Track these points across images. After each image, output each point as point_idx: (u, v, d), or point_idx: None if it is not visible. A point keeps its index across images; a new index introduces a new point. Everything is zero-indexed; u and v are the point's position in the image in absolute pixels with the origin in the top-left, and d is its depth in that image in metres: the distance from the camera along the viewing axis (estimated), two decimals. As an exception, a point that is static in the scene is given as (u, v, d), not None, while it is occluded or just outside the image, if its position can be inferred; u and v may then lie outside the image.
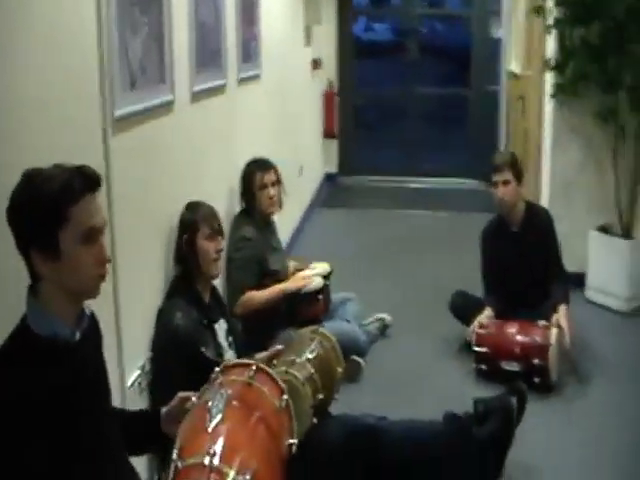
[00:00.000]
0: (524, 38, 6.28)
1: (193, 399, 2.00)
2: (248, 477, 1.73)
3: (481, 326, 3.99)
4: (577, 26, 4.55)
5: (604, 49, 4.50)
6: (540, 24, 5.16)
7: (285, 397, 2.10)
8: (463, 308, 4.28)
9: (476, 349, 3.97)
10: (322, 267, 4.07)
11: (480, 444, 2.99)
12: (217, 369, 2.13)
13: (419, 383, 3.89)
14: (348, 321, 4.07)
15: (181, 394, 2.07)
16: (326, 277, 4.01)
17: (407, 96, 8.58)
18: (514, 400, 3.13)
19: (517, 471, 3.06)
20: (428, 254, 5.96)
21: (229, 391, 1.97)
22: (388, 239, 6.33)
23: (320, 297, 3.93)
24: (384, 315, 4.40)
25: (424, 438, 3.00)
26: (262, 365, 2.15)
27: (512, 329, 3.95)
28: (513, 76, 6.89)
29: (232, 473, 1.74)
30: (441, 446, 2.98)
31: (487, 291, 4.25)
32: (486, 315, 4.05)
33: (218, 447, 1.79)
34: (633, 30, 4.44)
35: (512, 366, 3.86)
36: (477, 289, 4.30)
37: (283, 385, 2.14)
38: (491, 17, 8.10)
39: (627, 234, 4.84)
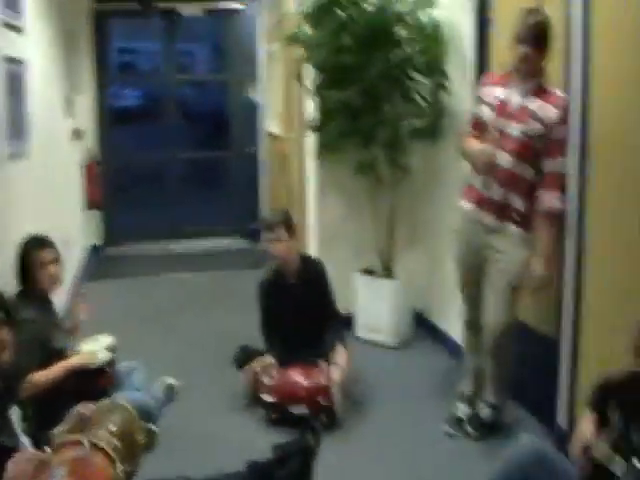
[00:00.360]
0: (283, 101, 6.61)
1: None
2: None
3: (266, 374, 4.11)
4: (335, 90, 4.88)
5: (361, 109, 4.87)
6: (299, 88, 5.50)
7: (120, 466, 2.10)
8: (247, 361, 4.35)
9: (264, 399, 4.08)
10: (105, 340, 3.99)
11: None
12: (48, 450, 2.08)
13: (215, 440, 3.90)
14: (138, 390, 4.01)
15: None
16: (111, 349, 3.94)
17: (167, 162, 8.65)
18: (310, 438, 3.28)
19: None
20: (204, 314, 6.01)
21: (65, 469, 1.94)
22: (162, 304, 6.29)
23: (108, 370, 3.86)
24: (170, 380, 4.36)
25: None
26: (93, 440, 2.14)
27: (296, 375, 4.11)
28: (273, 137, 7.21)
29: None
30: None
31: (267, 341, 4.38)
32: (266, 361, 4.18)
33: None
34: (384, 92, 4.86)
35: (300, 410, 4.02)
36: (258, 341, 4.43)
37: (114, 455, 2.13)
38: (248, 81, 8.42)
39: (388, 274, 5.25)
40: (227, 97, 8.76)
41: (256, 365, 4.21)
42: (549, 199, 3.57)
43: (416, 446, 3.87)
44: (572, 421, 3.61)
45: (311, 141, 5.43)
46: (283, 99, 6.66)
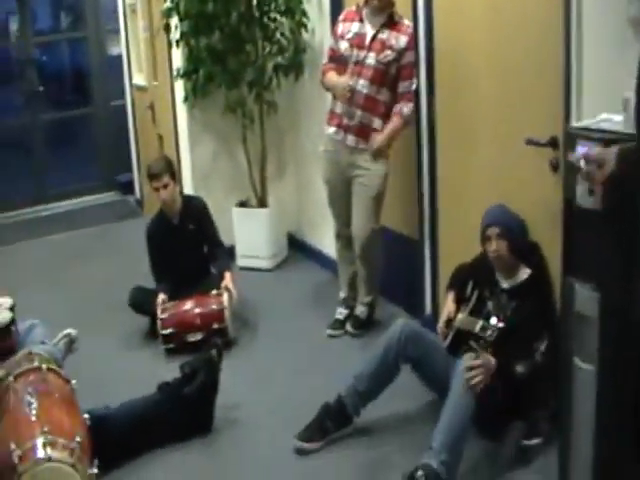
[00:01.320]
0: (147, 53, 6.79)
1: None
2: (78, 439, 2.08)
3: (163, 310, 4.39)
4: (201, 36, 5.16)
5: (226, 53, 5.19)
6: (163, 39, 5.73)
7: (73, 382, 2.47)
8: (142, 301, 4.62)
9: (162, 332, 4.36)
10: (4, 300, 4.06)
11: (191, 398, 3.47)
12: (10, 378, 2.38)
13: (120, 376, 4.08)
14: (43, 342, 4.12)
15: None
16: (11, 309, 4.01)
17: (29, 126, 8.41)
18: (214, 352, 3.64)
19: (221, 412, 3.60)
20: (88, 267, 6.07)
21: (33, 387, 2.26)
22: (43, 266, 6.28)
23: (13, 329, 3.88)
24: (70, 330, 4.36)
25: (139, 410, 3.41)
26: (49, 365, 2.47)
27: (189, 305, 4.44)
28: (139, 89, 7.36)
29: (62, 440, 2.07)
30: (152, 410, 3.43)
31: (157, 280, 4.67)
32: (160, 299, 4.46)
33: (46, 427, 2.09)
34: (247, 34, 5.21)
35: (196, 336, 4.34)
36: (150, 283, 4.72)
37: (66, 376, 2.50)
38: (108, 36, 8.49)
39: (262, 204, 5.66)
40: (87, 54, 8.73)
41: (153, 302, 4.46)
42: (401, 107, 4.08)
43: (303, 350, 4.34)
44: (436, 310, 4.18)
45: (180, 88, 5.67)
46: (147, 51, 6.82)
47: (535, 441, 3.16)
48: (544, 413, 3.18)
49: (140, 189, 7.99)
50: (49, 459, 2.45)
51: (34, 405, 2.25)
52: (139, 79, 7.35)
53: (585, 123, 2.66)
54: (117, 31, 8.06)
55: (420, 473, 2.76)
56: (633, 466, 2.41)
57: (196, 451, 3.40)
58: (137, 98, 7.62)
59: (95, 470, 2.62)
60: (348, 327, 4.46)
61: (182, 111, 5.85)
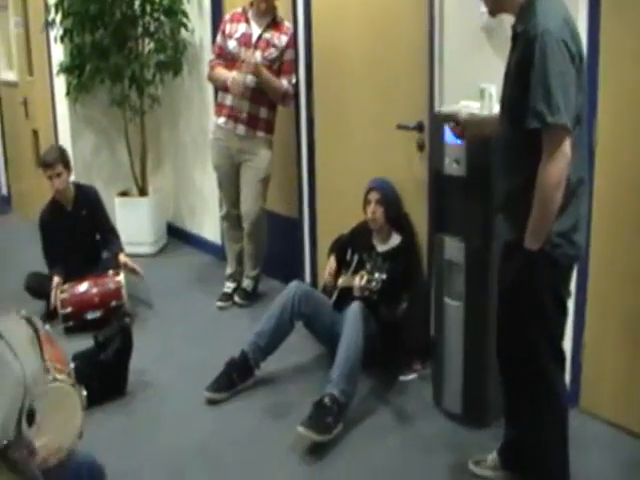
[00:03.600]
0: (21, 48, 6.93)
1: None
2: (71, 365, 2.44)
3: (61, 292, 4.61)
4: (86, 33, 5.45)
5: (109, 49, 5.50)
6: (42, 35, 5.95)
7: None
8: (37, 285, 4.81)
9: (61, 312, 4.57)
10: None
11: (108, 363, 3.78)
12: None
13: None
14: None
15: None
16: None
17: None
18: (127, 320, 3.99)
19: (133, 377, 3.90)
20: None
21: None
22: None
23: None
24: None
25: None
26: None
27: (87, 285, 4.68)
28: (9, 85, 7.45)
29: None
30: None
31: (51, 264, 4.86)
32: (56, 282, 4.68)
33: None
34: (129, 31, 5.55)
35: (95, 314, 4.59)
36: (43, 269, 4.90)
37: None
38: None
39: (143, 193, 6.03)
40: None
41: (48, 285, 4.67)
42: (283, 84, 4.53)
43: (197, 321, 4.75)
44: (315, 280, 4.72)
45: (61, 84, 5.91)
46: (20, 47, 6.95)
47: (411, 376, 3.78)
48: (416, 355, 3.82)
49: (8, 186, 8.04)
50: (55, 379, 2.76)
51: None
52: (8, 75, 7.44)
53: (449, 109, 3.27)
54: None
55: (326, 399, 3.27)
56: (496, 381, 2.99)
57: (114, 412, 3.65)
58: (5, 94, 7.69)
59: (85, 392, 2.90)
60: (236, 299, 4.92)
61: (62, 106, 6.10)
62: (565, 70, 2.27)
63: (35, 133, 6.93)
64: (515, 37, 2.46)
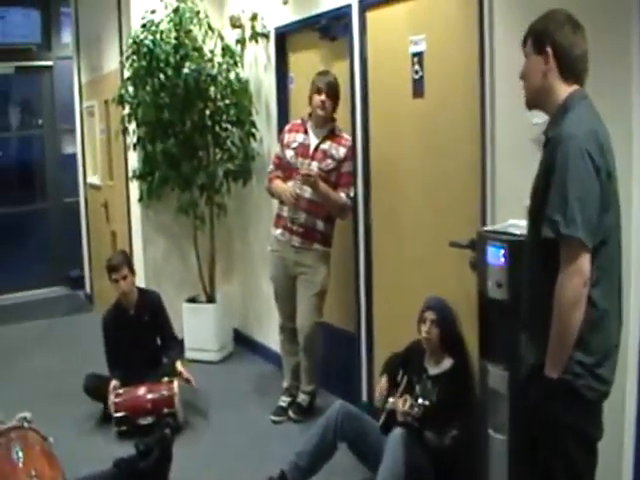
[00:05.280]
0: (103, 153, 7.21)
1: None
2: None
3: (116, 395, 4.63)
4: (157, 141, 5.60)
5: (180, 158, 5.62)
6: (121, 141, 6.16)
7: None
8: (95, 387, 4.84)
9: (115, 415, 4.59)
10: None
11: (147, 472, 3.70)
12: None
13: (76, 457, 4.08)
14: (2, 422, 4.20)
15: None
16: None
17: None
18: (168, 430, 3.90)
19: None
20: (42, 358, 6.21)
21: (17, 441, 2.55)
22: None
23: None
24: (25, 413, 4.45)
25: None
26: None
27: (142, 391, 4.69)
28: (93, 187, 7.74)
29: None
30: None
31: (111, 367, 4.92)
32: (112, 385, 4.69)
33: (33, 472, 2.39)
34: (200, 141, 5.68)
35: (147, 420, 4.57)
36: (104, 371, 4.95)
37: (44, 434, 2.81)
38: (65, 136, 8.91)
39: (210, 300, 6.02)
40: (44, 151, 9.11)
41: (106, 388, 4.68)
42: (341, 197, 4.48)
43: (249, 435, 4.62)
44: (372, 397, 4.52)
45: (135, 189, 6.08)
46: (103, 151, 7.24)
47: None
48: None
49: (90, 284, 8.25)
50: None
51: (20, 455, 2.51)
52: (93, 178, 7.74)
53: (496, 227, 3.13)
54: (73, 131, 8.48)
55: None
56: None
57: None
58: (90, 196, 7.98)
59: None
60: (291, 413, 4.76)
61: (136, 210, 6.24)
62: (586, 178, 2.13)
63: (114, 235, 7.12)
64: (546, 143, 2.35)
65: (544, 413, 2.24)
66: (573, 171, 2.13)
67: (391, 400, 3.71)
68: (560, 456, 2.24)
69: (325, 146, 4.51)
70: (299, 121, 4.69)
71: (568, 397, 2.20)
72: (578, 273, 2.12)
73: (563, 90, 2.33)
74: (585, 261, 2.12)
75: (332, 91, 4.48)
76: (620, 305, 2.36)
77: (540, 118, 2.97)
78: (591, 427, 2.28)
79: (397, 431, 3.37)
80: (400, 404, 3.44)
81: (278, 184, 4.62)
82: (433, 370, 3.70)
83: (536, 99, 2.43)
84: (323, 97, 4.46)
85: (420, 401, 3.23)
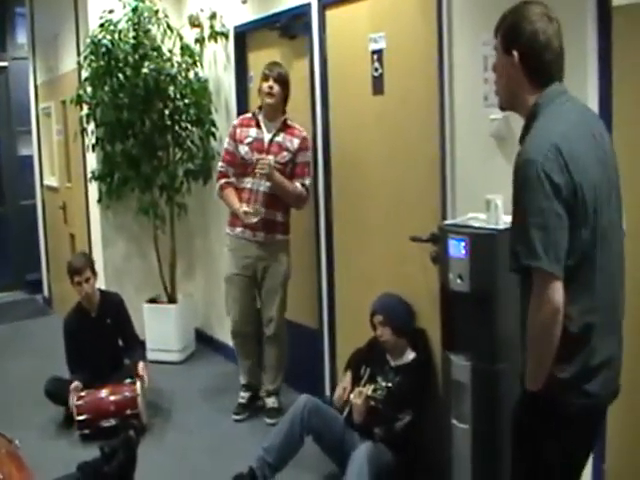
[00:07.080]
0: (60, 155, 7.13)
1: None
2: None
3: (78, 398, 4.58)
4: (117, 142, 5.57)
5: (140, 158, 5.60)
6: (79, 142, 6.11)
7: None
8: (57, 391, 4.78)
9: (78, 418, 4.53)
10: None
11: (111, 476, 3.67)
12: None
13: (38, 463, 3.82)
14: None
15: None
16: None
17: None
18: (132, 432, 3.88)
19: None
20: (3, 364, 6.14)
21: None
22: None
23: None
24: None
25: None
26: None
27: (104, 393, 4.64)
28: (51, 189, 7.65)
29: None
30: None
31: (72, 370, 4.86)
32: (73, 386, 4.63)
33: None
34: (159, 141, 5.65)
35: (110, 422, 4.53)
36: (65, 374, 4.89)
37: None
38: (20, 138, 8.80)
39: (172, 300, 5.99)
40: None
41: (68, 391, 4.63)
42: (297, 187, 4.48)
43: (212, 434, 4.61)
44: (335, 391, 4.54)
45: (94, 190, 6.03)
46: (61, 153, 7.16)
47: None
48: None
49: (49, 287, 8.15)
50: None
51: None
52: (51, 180, 7.65)
53: (456, 221, 3.18)
54: (29, 132, 8.38)
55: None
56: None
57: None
58: (48, 198, 7.89)
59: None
60: (266, 419, 4.68)
61: (95, 212, 6.19)
62: (545, 207, 1.98)
63: (72, 237, 7.06)
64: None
65: (525, 427, 2.19)
66: (530, 200, 2.01)
67: (354, 393, 3.75)
68: (539, 473, 2.18)
69: (279, 139, 4.51)
70: (249, 115, 4.67)
71: (548, 409, 2.11)
72: (546, 303, 1.99)
73: (531, 94, 2.17)
74: (554, 290, 1.99)
75: (281, 78, 4.48)
76: (617, 316, 2.22)
77: (498, 114, 3.05)
78: (575, 444, 2.19)
79: (362, 449, 3.43)
80: (364, 390, 3.50)
81: (231, 198, 4.57)
82: (395, 362, 3.76)
83: (508, 101, 2.27)
84: (271, 82, 4.45)
85: (383, 384, 3.29)
